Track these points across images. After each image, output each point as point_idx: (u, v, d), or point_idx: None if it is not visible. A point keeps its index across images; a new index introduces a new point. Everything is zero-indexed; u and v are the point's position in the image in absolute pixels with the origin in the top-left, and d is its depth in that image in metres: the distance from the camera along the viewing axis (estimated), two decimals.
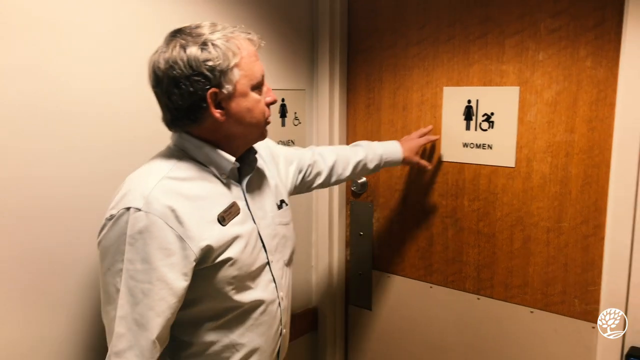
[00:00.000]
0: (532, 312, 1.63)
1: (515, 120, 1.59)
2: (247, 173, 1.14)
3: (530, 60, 1.55)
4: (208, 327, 1.07)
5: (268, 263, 1.14)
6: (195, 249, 0.98)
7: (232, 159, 1.07)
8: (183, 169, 1.03)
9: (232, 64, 0.99)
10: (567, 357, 1.58)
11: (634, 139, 1.36)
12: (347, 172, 1.50)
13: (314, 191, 1.97)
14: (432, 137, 1.71)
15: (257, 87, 1.05)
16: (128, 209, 0.95)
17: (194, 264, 0.98)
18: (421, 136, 1.69)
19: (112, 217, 0.97)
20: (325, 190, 1.95)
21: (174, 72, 0.97)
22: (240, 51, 1.01)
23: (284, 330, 1.22)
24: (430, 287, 1.83)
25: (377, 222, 1.94)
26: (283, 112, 1.79)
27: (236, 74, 1.00)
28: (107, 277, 0.97)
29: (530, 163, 1.59)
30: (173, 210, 0.96)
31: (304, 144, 1.91)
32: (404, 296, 1.90)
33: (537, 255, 1.61)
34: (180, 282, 0.97)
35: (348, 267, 2.05)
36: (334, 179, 1.49)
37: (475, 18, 1.63)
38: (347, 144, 1.97)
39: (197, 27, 1.01)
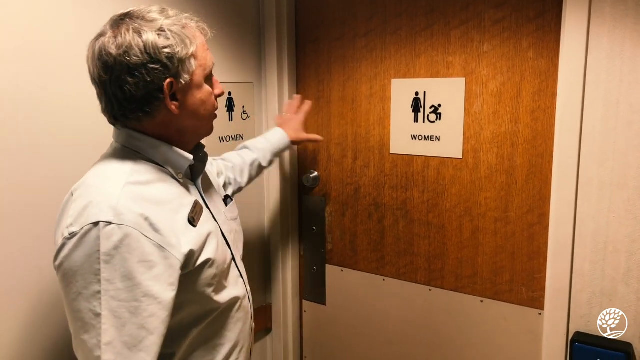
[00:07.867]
0: (482, 301, 1.65)
1: (462, 111, 1.59)
2: (199, 170, 1.08)
3: (476, 51, 1.55)
4: (190, 334, 1.00)
5: (233, 258, 1.11)
6: (179, 256, 0.91)
7: (190, 156, 1.01)
8: (142, 173, 0.95)
9: (189, 52, 0.93)
10: (516, 344, 1.61)
11: (574, 128, 1.38)
12: (245, 179, 1.49)
13: (265, 186, 1.94)
14: (306, 107, 1.71)
15: (209, 78, 1.02)
16: (96, 224, 0.84)
17: (180, 272, 0.91)
18: (296, 112, 1.70)
19: (73, 234, 0.85)
20: (277, 186, 1.92)
21: (128, 59, 0.88)
22: (196, 40, 0.96)
23: (254, 324, 1.21)
24: (383, 279, 1.83)
25: (329, 216, 1.92)
26: (230, 106, 1.74)
27: (193, 64, 0.95)
28: (80, 303, 0.85)
29: (477, 154, 1.60)
30: (147, 219, 0.87)
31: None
32: (357, 290, 1.90)
33: (486, 245, 1.62)
34: (168, 293, 0.89)
35: (302, 263, 2.03)
36: (234, 188, 1.46)
37: (421, 9, 1.62)
38: None
39: (149, 11, 0.93)
